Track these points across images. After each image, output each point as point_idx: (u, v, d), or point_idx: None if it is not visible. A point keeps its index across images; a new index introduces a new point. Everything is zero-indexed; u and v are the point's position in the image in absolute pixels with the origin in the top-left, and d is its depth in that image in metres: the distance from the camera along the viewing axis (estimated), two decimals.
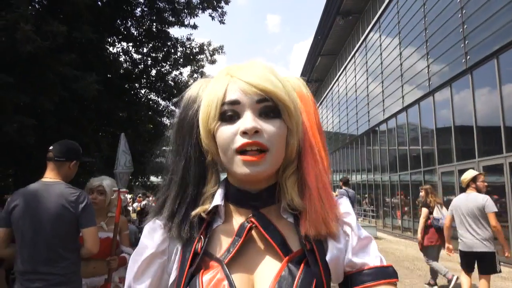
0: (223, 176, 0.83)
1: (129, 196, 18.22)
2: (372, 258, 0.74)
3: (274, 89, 0.69)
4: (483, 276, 4.50)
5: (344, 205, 0.80)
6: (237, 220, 0.76)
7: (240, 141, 0.68)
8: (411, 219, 13.23)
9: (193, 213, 0.73)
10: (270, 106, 0.70)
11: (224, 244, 0.73)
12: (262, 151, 0.69)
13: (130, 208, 14.61)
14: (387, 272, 0.72)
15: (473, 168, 9.15)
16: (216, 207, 0.76)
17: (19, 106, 4.46)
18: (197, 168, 0.77)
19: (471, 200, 4.53)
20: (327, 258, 0.72)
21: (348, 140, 21.78)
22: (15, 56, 4.04)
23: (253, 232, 0.74)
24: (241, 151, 0.69)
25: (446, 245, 5.03)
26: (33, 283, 2.05)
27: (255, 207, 0.76)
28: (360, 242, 0.75)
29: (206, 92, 0.76)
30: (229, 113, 0.70)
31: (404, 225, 14.03)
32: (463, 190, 4.85)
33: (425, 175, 12.22)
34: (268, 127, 0.69)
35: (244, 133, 0.68)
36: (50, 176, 2.24)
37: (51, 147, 2.28)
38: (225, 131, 0.70)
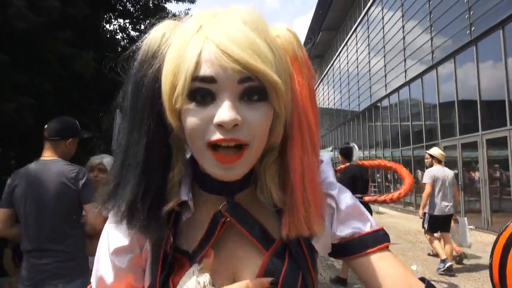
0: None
1: None
2: (361, 225, 0.70)
3: (262, 65, 0.53)
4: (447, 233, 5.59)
5: (326, 174, 0.72)
6: (209, 209, 0.65)
7: (213, 134, 0.54)
8: (413, 194, 13.29)
9: (166, 208, 0.60)
10: (254, 86, 0.54)
11: (196, 238, 0.64)
12: (241, 147, 0.55)
13: None
14: (378, 237, 0.69)
15: (476, 142, 9.16)
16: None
17: (17, 87, 4.40)
18: (162, 149, 0.61)
19: (448, 172, 5.59)
20: (313, 241, 0.68)
21: (350, 117, 21.68)
22: (10, 34, 3.95)
23: (229, 225, 0.64)
24: (214, 145, 0.55)
25: (421, 211, 5.63)
26: (40, 259, 2.08)
27: (229, 193, 0.65)
28: (346, 212, 0.70)
29: (172, 48, 0.57)
30: (201, 92, 0.54)
31: (406, 199, 14.12)
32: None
33: (428, 150, 12.18)
34: (250, 116, 0.55)
35: (220, 125, 0.53)
36: (47, 155, 2.21)
37: (46, 126, 2.23)
38: (195, 117, 0.54)
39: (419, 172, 13.00)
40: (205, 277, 0.56)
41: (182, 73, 0.54)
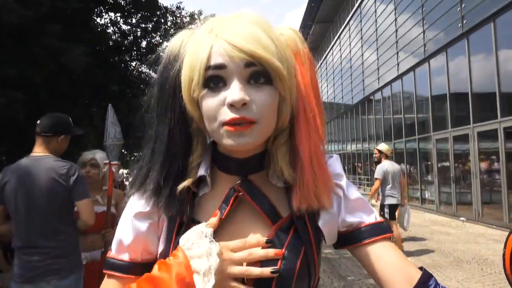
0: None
1: (125, 171, 18.23)
2: (366, 216, 0.74)
3: (265, 53, 0.62)
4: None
5: (334, 166, 0.77)
6: (225, 187, 0.72)
7: (227, 114, 0.62)
8: (405, 186, 13.42)
9: (180, 187, 0.69)
10: (259, 70, 0.63)
11: (211, 211, 0.70)
12: (250, 123, 0.63)
13: (127, 183, 14.66)
14: (382, 228, 0.73)
15: (467, 134, 9.25)
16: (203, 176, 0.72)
17: (8, 81, 4.35)
18: (182, 137, 0.71)
19: (396, 166, 6.23)
20: (320, 224, 0.72)
21: (343, 110, 21.74)
22: None
23: (241, 200, 0.71)
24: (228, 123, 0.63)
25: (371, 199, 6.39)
26: (32, 256, 2.05)
27: (243, 173, 0.72)
28: (353, 202, 0.75)
29: (188, 50, 0.68)
30: (214, 79, 0.63)
31: None
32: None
33: (420, 143, 12.29)
34: (257, 96, 0.63)
35: (231, 105, 0.62)
36: (38, 150, 2.18)
37: (38, 122, 2.21)
38: (210, 101, 0.64)
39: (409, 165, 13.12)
40: (208, 230, 0.63)
41: (197, 66, 0.63)
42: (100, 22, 7.29)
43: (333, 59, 23.84)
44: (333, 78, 23.65)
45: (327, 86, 25.54)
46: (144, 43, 8.07)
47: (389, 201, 6.01)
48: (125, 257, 0.73)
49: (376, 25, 15.98)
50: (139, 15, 7.48)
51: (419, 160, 12.42)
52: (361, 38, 17.95)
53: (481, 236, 7.42)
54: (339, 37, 21.98)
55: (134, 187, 0.73)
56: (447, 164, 10.64)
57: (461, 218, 9.44)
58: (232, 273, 0.63)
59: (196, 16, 8.83)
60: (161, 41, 8.42)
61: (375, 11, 16.04)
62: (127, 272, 0.72)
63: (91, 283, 2.32)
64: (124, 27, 7.71)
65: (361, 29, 17.92)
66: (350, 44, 19.90)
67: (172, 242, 0.69)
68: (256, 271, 0.63)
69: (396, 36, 13.84)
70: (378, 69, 15.70)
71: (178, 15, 8.08)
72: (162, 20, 7.82)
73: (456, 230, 8.21)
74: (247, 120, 0.62)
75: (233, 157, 0.72)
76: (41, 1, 3.88)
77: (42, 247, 2.07)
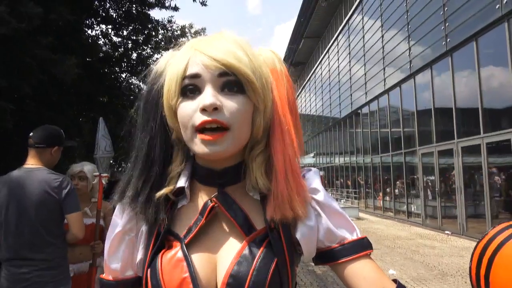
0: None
1: None
2: (348, 233, 0.74)
3: (237, 63, 0.66)
4: None
5: (311, 180, 0.77)
6: (203, 198, 0.75)
7: (199, 118, 0.65)
8: (392, 199, 13.57)
9: (158, 194, 0.71)
10: (232, 80, 0.66)
11: (187, 223, 0.72)
12: (223, 129, 0.65)
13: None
14: (363, 244, 0.73)
15: (452, 149, 9.45)
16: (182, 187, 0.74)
17: None
18: (162, 146, 0.74)
19: None
20: (298, 236, 0.71)
21: (331, 123, 21.96)
22: None
23: (217, 212, 0.72)
24: (201, 129, 0.66)
25: None
26: (20, 268, 2.04)
27: (221, 185, 0.74)
28: (333, 219, 0.74)
29: (170, 66, 0.73)
30: (189, 87, 0.67)
31: (385, 205, 14.39)
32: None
33: (406, 157, 12.49)
34: (229, 103, 0.66)
35: (204, 110, 0.64)
36: (31, 162, 2.19)
37: (31, 134, 2.21)
38: (185, 108, 0.67)
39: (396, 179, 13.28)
40: None
41: (175, 76, 0.68)
42: (91, 34, 7.30)
43: (321, 73, 24.16)
44: (322, 92, 23.93)
45: (316, 99, 25.81)
46: (134, 55, 8.11)
47: None
48: (109, 276, 0.77)
49: (363, 41, 16.31)
50: (131, 27, 7.52)
51: (406, 174, 12.61)
52: (349, 53, 18.28)
53: (466, 250, 7.53)
54: (327, 51, 22.34)
55: (117, 193, 0.76)
56: (432, 178, 10.82)
57: (446, 232, 9.57)
58: None
59: (187, 30, 8.96)
60: (151, 53, 8.47)
61: (363, 27, 16.40)
62: None
63: None
64: (115, 39, 7.73)
65: (349, 45, 18.26)
66: (338, 59, 20.23)
67: (149, 250, 0.71)
68: None
69: (383, 52, 14.15)
70: (366, 83, 15.98)
71: (169, 28, 8.16)
72: (153, 33, 7.87)
73: (441, 244, 8.32)
74: (219, 122, 0.64)
75: (211, 168, 0.73)
76: (34, 13, 3.90)
77: (30, 259, 2.06)
